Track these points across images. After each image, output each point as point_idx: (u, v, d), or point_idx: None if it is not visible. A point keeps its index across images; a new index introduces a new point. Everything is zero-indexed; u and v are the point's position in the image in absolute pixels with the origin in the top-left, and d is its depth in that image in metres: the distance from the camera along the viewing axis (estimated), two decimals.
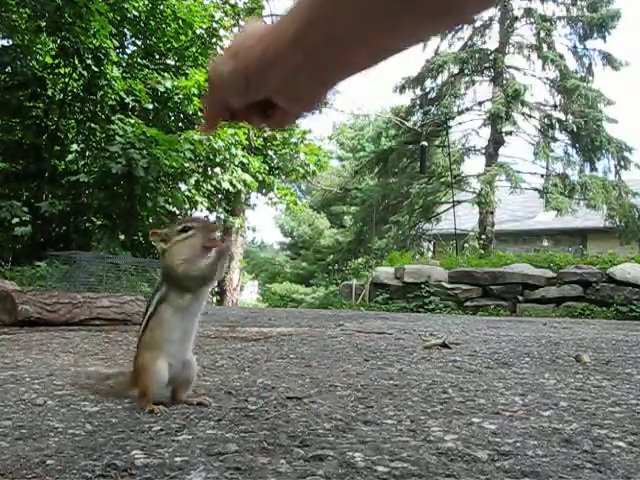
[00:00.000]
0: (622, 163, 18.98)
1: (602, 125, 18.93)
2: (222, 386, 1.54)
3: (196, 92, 13.45)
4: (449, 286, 9.60)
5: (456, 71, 20.86)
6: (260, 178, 14.89)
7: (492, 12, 20.94)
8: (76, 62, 12.44)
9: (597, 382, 1.74)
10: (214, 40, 15.13)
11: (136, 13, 13.81)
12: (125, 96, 12.91)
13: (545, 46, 19.92)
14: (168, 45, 14.48)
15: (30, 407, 1.25)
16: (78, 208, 13.28)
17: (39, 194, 13.14)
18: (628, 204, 18.25)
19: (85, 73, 12.61)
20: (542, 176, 19.91)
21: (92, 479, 0.80)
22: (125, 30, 14.18)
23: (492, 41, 20.99)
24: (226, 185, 13.86)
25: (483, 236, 18.76)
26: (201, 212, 14.67)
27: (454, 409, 1.29)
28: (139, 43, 14.76)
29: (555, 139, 20.19)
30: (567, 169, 19.87)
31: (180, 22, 13.96)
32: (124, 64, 13.82)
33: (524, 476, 0.84)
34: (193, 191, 13.71)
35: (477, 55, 20.69)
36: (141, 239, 13.66)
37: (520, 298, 9.21)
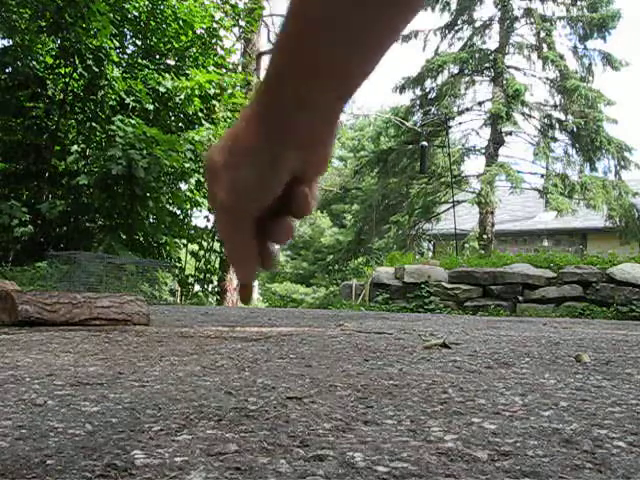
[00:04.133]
0: (622, 163, 18.98)
1: (602, 125, 18.94)
2: (222, 386, 1.54)
3: (197, 92, 13.46)
4: (449, 286, 9.60)
5: (456, 71, 20.86)
6: None
7: (492, 12, 20.99)
8: (77, 62, 12.45)
9: (597, 382, 1.74)
10: (214, 40, 15.14)
11: (136, 13, 13.81)
12: (125, 96, 12.92)
13: (545, 46, 19.93)
14: (168, 45, 14.48)
15: (30, 407, 1.25)
16: (78, 208, 13.28)
17: (39, 194, 13.15)
18: (628, 204, 18.26)
19: (85, 73, 12.62)
20: (542, 176, 19.92)
21: (92, 479, 0.80)
22: (125, 30, 14.19)
23: (492, 41, 21.02)
24: None
25: (483, 236, 18.77)
26: (201, 212, 14.68)
27: (454, 409, 1.29)
28: (139, 43, 14.76)
29: (555, 139, 20.20)
30: (567, 169, 19.89)
31: (180, 22, 13.97)
32: (124, 64, 13.83)
33: (524, 476, 0.84)
34: (194, 191, 13.73)
35: (477, 55, 20.69)
36: (142, 239, 13.66)
37: (520, 298, 9.21)
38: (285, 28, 0.55)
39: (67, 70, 12.92)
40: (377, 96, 62.18)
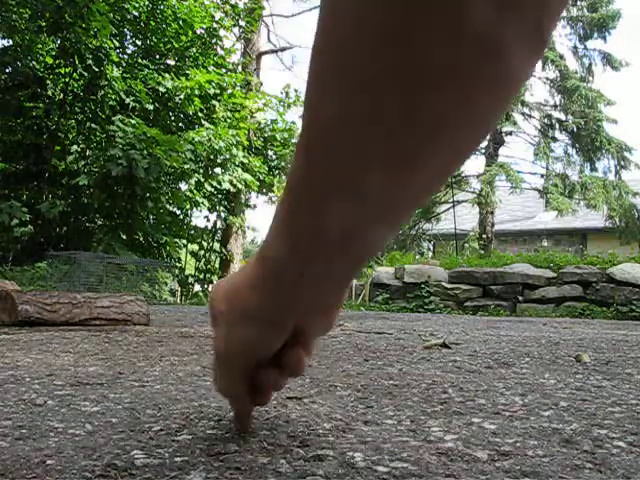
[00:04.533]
0: (622, 163, 18.98)
1: (602, 125, 18.94)
2: None
3: (197, 92, 13.46)
4: (449, 286, 9.60)
5: None
6: (261, 178, 14.91)
7: None
8: (76, 62, 12.45)
9: (597, 382, 1.74)
10: (214, 40, 15.14)
11: (136, 13, 13.81)
12: (125, 96, 12.91)
13: None
14: (168, 45, 14.48)
15: (30, 407, 1.25)
16: (78, 208, 13.28)
17: (39, 194, 13.15)
18: (628, 204, 18.26)
19: (85, 73, 12.62)
20: (542, 176, 19.93)
21: (92, 479, 0.80)
22: (125, 30, 14.19)
23: None
24: (226, 185, 13.87)
25: (483, 236, 18.77)
26: (201, 212, 14.68)
27: (454, 409, 1.29)
28: (139, 43, 14.76)
29: (555, 139, 20.20)
30: (567, 169, 19.89)
31: (180, 22, 13.97)
32: (124, 64, 13.82)
33: (524, 476, 0.84)
34: (194, 191, 13.73)
35: None
36: (142, 239, 13.66)
37: (520, 298, 9.21)
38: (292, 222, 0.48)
39: (67, 70, 12.92)
40: None
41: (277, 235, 0.51)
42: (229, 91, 14.71)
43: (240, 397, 0.63)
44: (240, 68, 17.15)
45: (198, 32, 14.62)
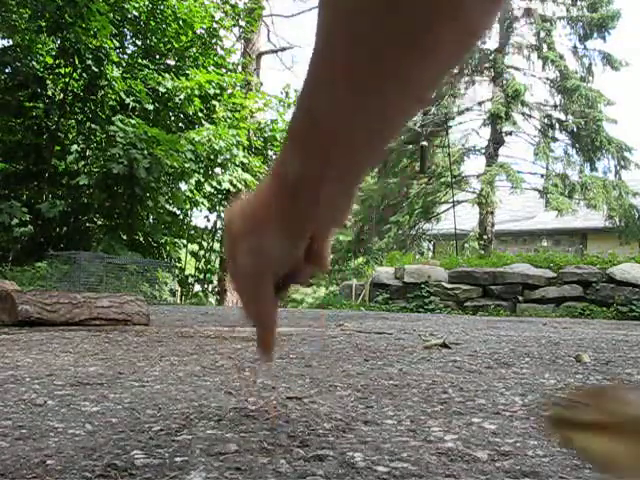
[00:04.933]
0: (622, 163, 18.98)
1: (602, 125, 18.94)
2: (222, 386, 1.54)
3: (197, 92, 13.46)
4: (449, 286, 9.60)
5: (456, 71, 20.87)
6: (261, 177, 14.92)
7: None
8: (76, 62, 12.45)
9: (597, 382, 1.74)
10: (214, 40, 15.14)
11: (136, 13, 13.82)
12: (125, 96, 12.92)
13: (545, 46, 19.93)
14: (168, 45, 14.49)
15: (30, 407, 1.25)
16: (78, 208, 13.29)
17: (39, 194, 13.15)
18: (628, 204, 18.26)
19: (85, 73, 12.63)
20: (542, 176, 19.92)
21: (92, 479, 0.80)
22: (125, 30, 14.19)
23: (492, 41, 21.03)
24: (226, 185, 13.88)
25: (483, 236, 18.77)
26: (201, 212, 14.69)
27: (454, 409, 1.29)
28: (139, 43, 14.76)
29: (555, 139, 20.20)
30: (567, 169, 19.89)
31: (180, 22, 13.97)
32: (124, 64, 13.83)
33: (524, 476, 0.84)
34: (194, 191, 13.74)
35: (477, 55, 20.69)
36: (142, 239, 13.66)
37: (520, 298, 9.21)
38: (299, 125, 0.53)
39: (67, 70, 12.92)
40: None
41: (292, 148, 0.55)
42: (229, 91, 14.71)
43: (268, 306, 0.64)
44: (240, 68, 17.16)
45: (198, 32, 14.63)
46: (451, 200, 17.22)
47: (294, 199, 0.56)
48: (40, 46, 12.95)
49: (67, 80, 13.09)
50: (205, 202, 14.28)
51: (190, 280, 15.76)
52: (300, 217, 0.57)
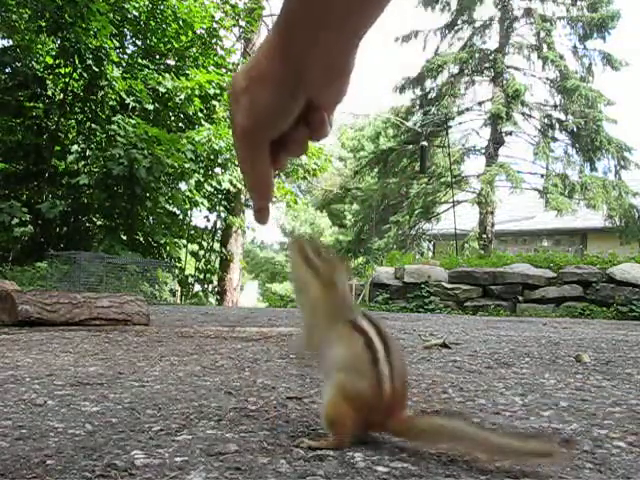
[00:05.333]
0: (622, 163, 18.99)
1: (602, 125, 18.94)
2: (222, 386, 1.54)
3: (197, 92, 13.46)
4: (449, 286, 9.60)
5: (456, 71, 20.87)
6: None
7: (492, 12, 20.98)
8: (76, 62, 12.45)
9: (597, 382, 1.74)
10: (214, 40, 15.13)
11: (136, 13, 13.81)
12: (126, 96, 12.92)
13: (545, 46, 19.93)
14: (168, 45, 14.49)
15: (30, 407, 1.25)
16: (78, 208, 13.28)
17: (39, 194, 13.15)
18: (628, 204, 18.26)
19: (85, 73, 12.62)
20: (542, 176, 19.92)
21: (92, 479, 0.80)
22: (125, 30, 14.19)
23: (492, 41, 21.03)
24: (226, 185, 13.87)
25: (483, 236, 18.77)
26: (201, 212, 14.69)
27: (454, 409, 1.29)
28: (139, 43, 14.76)
29: (555, 139, 20.20)
30: (567, 169, 19.90)
31: (180, 22, 13.97)
32: (124, 64, 13.83)
33: (524, 476, 0.84)
34: (194, 191, 13.74)
35: (477, 55, 20.69)
36: (142, 239, 13.66)
37: (520, 298, 9.21)
38: None
39: (67, 70, 12.92)
40: (377, 96, 62.22)
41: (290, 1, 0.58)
42: (229, 91, 14.70)
43: (264, 169, 0.68)
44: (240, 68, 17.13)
45: (198, 32, 14.62)
46: (451, 200, 17.22)
47: (291, 41, 0.58)
48: (40, 46, 12.95)
49: (67, 80, 13.09)
50: (205, 202, 14.28)
51: (190, 280, 15.76)
52: (296, 63, 0.59)
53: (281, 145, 0.67)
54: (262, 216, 0.71)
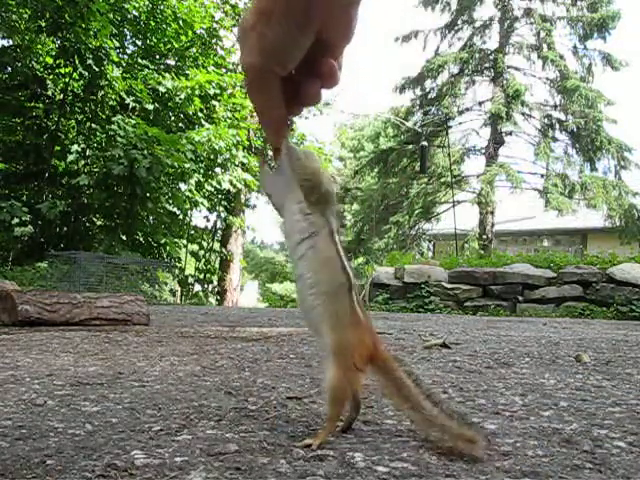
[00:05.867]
0: (622, 163, 19.00)
1: (602, 125, 18.95)
2: (222, 386, 1.54)
3: (197, 92, 13.45)
4: (449, 286, 9.60)
5: (456, 71, 20.88)
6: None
7: (492, 12, 21.00)
8: (76, 62, 12.45)
9: (597, 382, 1.74)
10: (214, 40, 15.13)
11: (136, 13, 13.82)
12: (126, 96, 12.92)
13: (545, 46, 19.93)
14: (168, 45, 14.49)
15: (30, 407, 1.25)
16: (78, 208, 13.28)
17: (39, 194, 13.15)
18: (628, 204, 18.27)
19: (85, 73, 12.62)
20: (542, 176, 19.93)
21: (92, 479, 0.80)
22: (125, 30, 14.19)
23: (492, 41, 21.04)
24: (226, 185, 13.87)
25: (483, 236, 18.78)
26: (201, 212, 14.68)
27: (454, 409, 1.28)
28: (139, 43, 14.77)
29: (555, 139, 20.21)
30: (567, 169, 19.91)
31: (180, 22, 13.97)
32: (124, 64, 13.83)
33: (524, 476, 0.84)
34: (194, 191, 13.73)
35: (477, 55, 20.70)
36: (142, 239, 13.66)
37: (520, 298, 9.21)
38: None
39: (67, 70, 12.92)
40: (377, 96, 62.24)
41: None
42: (229, 91, 14.70)
43: (277, 107, 0.68)
44: (240, 68, 17.15)
45: (198, 32, 14.63)
46: (451, 200, 17.22)
47: None
48: (40, 46, 12.95)
49: (67, 80, 13.08)
50: (205, 202, 14.28)
51: (190, 280, 15.76)
52: (305, 5, 0.59)
53: (296, 99, 0.67)
54: (277, 157, 0.72)
